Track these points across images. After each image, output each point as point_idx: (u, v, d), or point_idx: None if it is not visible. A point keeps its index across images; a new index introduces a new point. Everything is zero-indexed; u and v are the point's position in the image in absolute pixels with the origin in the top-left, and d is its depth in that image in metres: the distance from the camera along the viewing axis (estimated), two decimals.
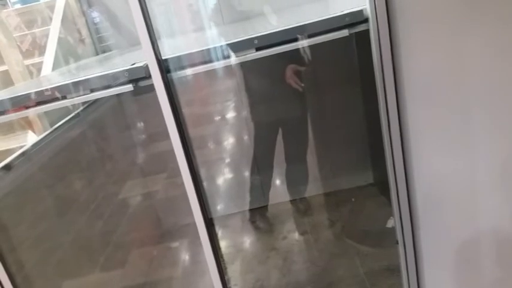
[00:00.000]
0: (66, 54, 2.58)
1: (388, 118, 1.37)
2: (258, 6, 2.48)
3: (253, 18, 2.42)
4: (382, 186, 2.76)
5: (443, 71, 1.27)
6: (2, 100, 1.31)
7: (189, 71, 1.32)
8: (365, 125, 2.66)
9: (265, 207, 2.87)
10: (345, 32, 1.34)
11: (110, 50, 2.88)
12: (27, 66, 2.83)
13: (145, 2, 1.08)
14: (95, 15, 2.84)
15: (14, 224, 1.78)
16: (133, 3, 1.08)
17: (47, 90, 1.25)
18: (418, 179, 1.42)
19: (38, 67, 2.73)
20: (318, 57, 2.29)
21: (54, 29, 2.63)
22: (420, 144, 1.38)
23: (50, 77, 2.16)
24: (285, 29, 1.36)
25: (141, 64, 1.27)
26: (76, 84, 1.28)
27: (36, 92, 1.27)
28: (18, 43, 2.95)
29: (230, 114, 2.91)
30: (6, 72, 2.82)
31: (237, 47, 1.33)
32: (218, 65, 1.32)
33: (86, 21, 2.75)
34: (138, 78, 1.29)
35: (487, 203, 1.36)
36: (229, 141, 2.98)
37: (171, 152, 1.34)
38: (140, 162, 2.96)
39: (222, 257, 1.84)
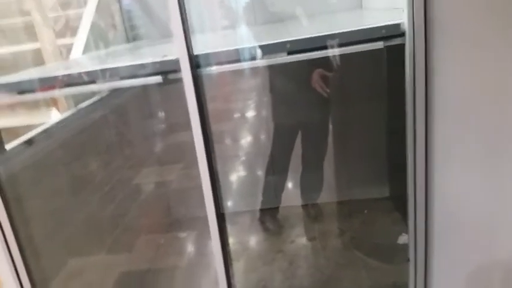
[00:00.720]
0: (97, 39, 2.60)
1: (415, 135, 1.36)
2: (291, 9, 2.46)
3: (287, 21, 2.41)
4: (397, 201, 2.73)
5: (476, 93, 1.24)
6: (33, 79, 1.33)
7: (218, 69, 1.32)
8: (386, 138, 2.63)
9: (276, 209, 2.85)
10: (379, 44, 1.33)
11: (141, 39, 2.90)
12: (58, 46, 2.87)
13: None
14: (129, 2, 2.87)
15: (28, 198, 1.81)
16: None
17: (78, 73, 1.27)
18: (439, 198, 1.40)
19: (68, 48, 2.78)
20: (347, 65, 2.26)
21: (88, 13, 2.66)
22: (445, 164, 1.35)
23: (80, 60, 2.19)
24: (319, 36, 1.35)
25: (172, 57, 1.28)
26: (105, 71, 1.29)
27: (66, 74, 1.28)
28: (52, 23, 3.00)
29: (251, 113, 2.91)
30: (38, 50, 2.87)
31: (270, 49, 1.33)
32: (248, 64, 1.32)
33: (120, 7, 2.78)
34: (168, 71, 1.30)
35: (507, 232, 1.33)
36: (247, 139, 2.98)
37: (189, 143, 1.34)
38: (158, 150, 2.98)
39: (229, 252, 1.84)
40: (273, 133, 2.69)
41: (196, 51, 1.29)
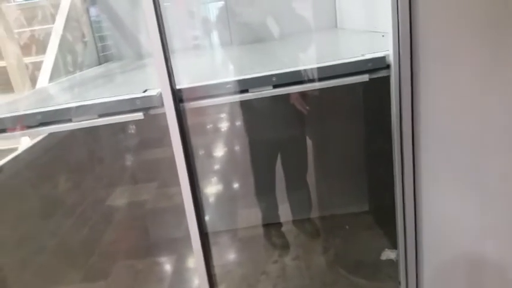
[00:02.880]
0: (66, 61, 2.47)
1: (402, 160, 1.37)
2: (268, 29, 2.44)
3: (265, 42, 2.37)
4: (377, 214, 2.74)
5: (462, 115, 1.25)
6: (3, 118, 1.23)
7: (201, 103, 1.26)
8: (364, 154, 2.65)
9: (278, 224, 2.83)
10: (365, 77, 1.32)
11: (113, 59, 2.79)
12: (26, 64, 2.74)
13: (165, 35, 1.03)
14: (99, 18, 2.76)
15: None
16: (153, 32, 1.02)
17: (55, 110, 1.17)
18: (427, 220, 1.41)
19: (35, 65, 2.65)
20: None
21: (56, 30, 2.54)
22: (431, 187, 1.36)
23: (50, 91, 2.06)
24: (305, 69, 1.32)
25: (154, 93, 1.21)
26: (81, 108, 1.21)
27: (39, 112, 1.19)
28: (17, 37, 2.87)
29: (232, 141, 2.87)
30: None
31: (255, 82, 1.29)
32: (233, 98, 1.27)
33: (90, 25, 2.67)
34: (149, 107, 1.23)
35: (495, 252, 1.33)
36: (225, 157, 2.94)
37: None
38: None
39: (215, 274, 1.79)
40: (251, 154, 2.66)
41: (177, 79, 1.23)
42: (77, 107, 1.21)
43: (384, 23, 1.28)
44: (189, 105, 1.24)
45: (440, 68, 1.21)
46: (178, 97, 1.20)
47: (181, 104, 1.20)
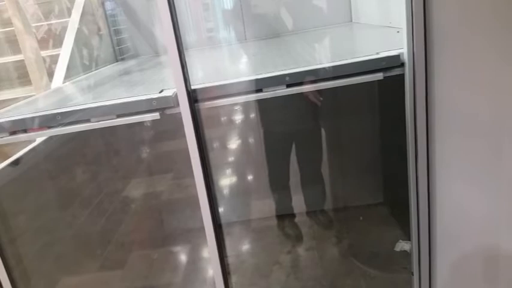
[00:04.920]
0: (82, 57, 2.49)
1: (416, 151, 1.37)
2: (283, 23, 2.41)
3: (280, 37, 2.35)
4: (391, 206, 2.73)
5: (478, 115, 1.24)
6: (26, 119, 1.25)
7: (215, 103, 1.28)
8: (379, 146, 2.64)
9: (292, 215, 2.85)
10: (379, 76, 1.32)
11: (128, 53, 2.81)
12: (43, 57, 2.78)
13: (180, 36, 1.04)
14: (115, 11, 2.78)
15: None
16: (168, 34, 1.04)
17: (72, 111, 1.20)
18: (441, 210, 1.41)
19: (52, 58, 2.69)
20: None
21: (72, 23, 2.57)
22: (445, 178, 1.36)
23: (67, 90, 2.09)
24: (319, 68, 1.33)
25: (170, 93, 1.23)
26: (100, 108, 1.24)
27: (60, 113, 1.22)
28: (35, 31, 2.91)
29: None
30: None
31: (268, 82, 1.29)
32: (246, 98, 1.28)
33: (106, 19, 2.68)
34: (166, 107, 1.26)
35: (509, 242, 1.33)
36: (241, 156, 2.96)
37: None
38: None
39: (228, 264, 1.81)
40: (265, 145, 2.67)
41: (192, 80, 1.25)
42: (96, 108, 1.24)
43: (398, 19, 1.27)
44: (204, 105, 1.26)
45: (455, 66, 1.21)
46: (193, 97, 1.22)
47: (196, 104, 1.22)
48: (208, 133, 1.42)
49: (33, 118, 1.26)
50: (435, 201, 1.42)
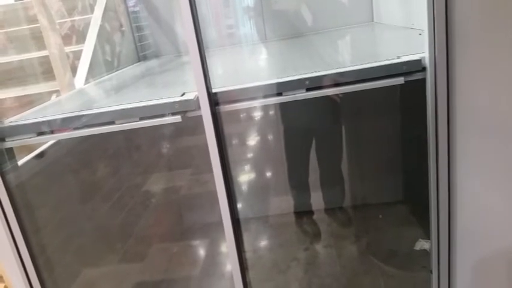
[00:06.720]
0: (105, 50, 2.53)
1: (437, 150, 1.36)
2: (304, 23, 2.38)
3: (300, 37, 2.33)
4: (412, 204, 2.70)
5: (502, 117, 1.21)
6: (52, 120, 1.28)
7: (236, 106, 1.29)
8: (400, 145, 2.61)
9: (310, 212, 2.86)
10: (400, 80, 1.31)
11: (149, 49, 2.83)
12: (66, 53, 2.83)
13: (201, 38, 1.05)
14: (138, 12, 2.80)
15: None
16: (191, 41, 1.05)
17: (97, 113, 1.22)
18: (461, 209, 1.39)
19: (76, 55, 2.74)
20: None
21: (95, 20, 2.61)
22: (466, 178, 1.35)
23: (90, 92, 2.13)
24: (339, 72, 1.32)
25: (191, 96, 1.25)
26: (123, 111, 1.26)
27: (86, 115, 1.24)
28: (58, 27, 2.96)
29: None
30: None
31: (288, 86, 1.30)
32: (265, 101, 1.29)
33: (129, 21, 2.70)
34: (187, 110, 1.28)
35: None
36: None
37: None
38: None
39: (246, 259, 1.83)
40: (285, 141, 2.66)
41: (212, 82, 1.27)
42: (120, 110, 1.27)
43: (420, 21, 1.25)
44: (224, 108, 1.28)
45: (478, 71, 1.19)
46: (214, 100, 1.24)
47: (216, 107, 1.24)
48: (227, 129, 1.43)
49: (59, 120, 1.30)
50: (455, 200, 1.41)
